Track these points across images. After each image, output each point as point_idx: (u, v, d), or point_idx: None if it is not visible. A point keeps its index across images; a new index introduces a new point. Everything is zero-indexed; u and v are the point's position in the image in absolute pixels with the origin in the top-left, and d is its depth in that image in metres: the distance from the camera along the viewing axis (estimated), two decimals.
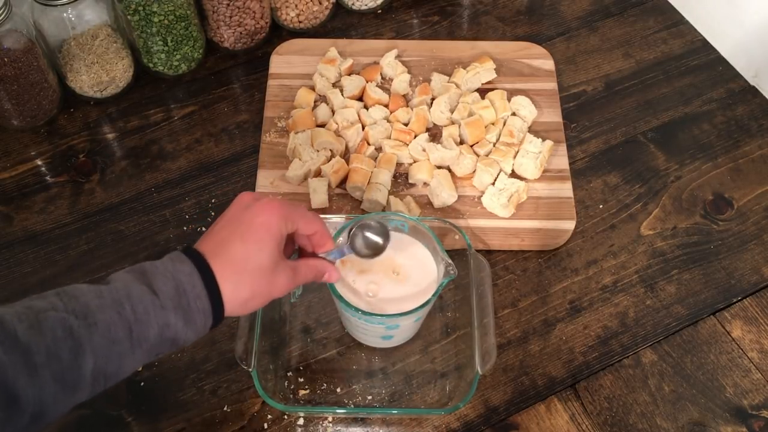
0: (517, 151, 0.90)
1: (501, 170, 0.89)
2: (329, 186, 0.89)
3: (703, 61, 1.04)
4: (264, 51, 1.05)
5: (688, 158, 0.95)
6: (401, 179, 0.90)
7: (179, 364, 0.79)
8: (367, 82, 0.97)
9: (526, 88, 0.98)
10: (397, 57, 1.00)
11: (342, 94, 0.96)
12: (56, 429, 0.74)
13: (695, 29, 1.08)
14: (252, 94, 1.01)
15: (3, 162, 0.94)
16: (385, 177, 0.87)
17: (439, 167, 0.90)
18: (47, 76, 0.93)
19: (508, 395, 0.77)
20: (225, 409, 0.76)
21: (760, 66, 1.01)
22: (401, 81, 0.97)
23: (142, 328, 0.54)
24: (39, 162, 0.95)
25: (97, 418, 0.76)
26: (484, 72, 0.98)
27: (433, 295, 0.70)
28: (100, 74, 0.96)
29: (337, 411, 0.75)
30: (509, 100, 0.95)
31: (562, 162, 0.92)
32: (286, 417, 0.76)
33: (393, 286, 0.72)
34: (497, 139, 0.92)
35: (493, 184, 0.88)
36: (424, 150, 0.90)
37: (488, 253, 0.86)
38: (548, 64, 1.01)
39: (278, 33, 1.07)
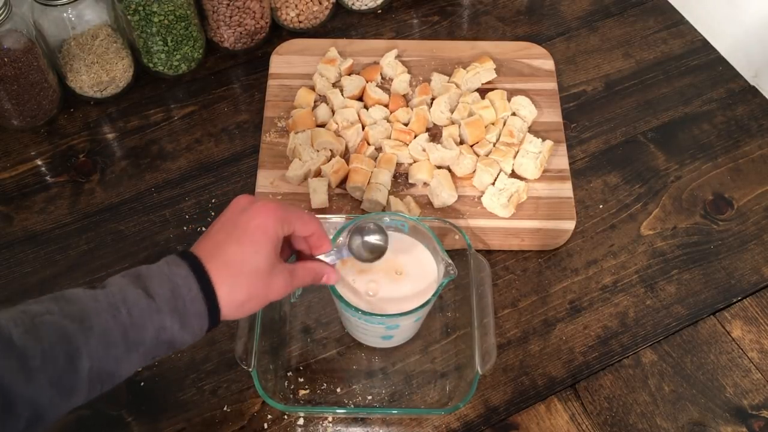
0: (517, 151, 0.90)
1: (501, 170, 0.89)
2: (329, 186, 0.89)
3: (703, 61, 1.04)
4: (264, 51, 1.05)
5: (688, 158, 0.95)
6: (401, 179, 0.90)
7: (179, 364, 0.79)
8: (367, 82, 0.97)
9: (526, 88, 0.98)
10: (397, 57, 1.00)
11: (342, 94, 0.96)
12: (56, 429, 0.74)
13: (695, 29, 1.08)
14: (252, 94, 1.01)
15: (3, 162, 0.94)
16: (385, 177, 0.87)
17: (439, 167, 0.90)
18: (47, 76, 0.93)
19: (508, 395, 0.77)
20: (225, 409, 0.76)
21: (760, 66, 1.01)
22: (401, 81, 0.97)
23: (138, 331, 0.53)
24: (39, 162, 0.95)
25: (97, 418, 0.76)
26: (484, 72, 0.98)
27: (433, 295, 0.70)
28: (100, 74, 0.96)
29: (337, 411, 0.75)
30: (509, 100, 0.95)
31: (562, 162, 0.92)
32: (286, 417, 0.76)
33: (393, 285, 0.72)
34: (497, 139, 0.92)
35: (493, 184, 0.88)
36: (424, 150, 0.90)
37: (488, 253, 0.86)
38: (548, 64, 1.01)
39: (278, 33, 1.07)
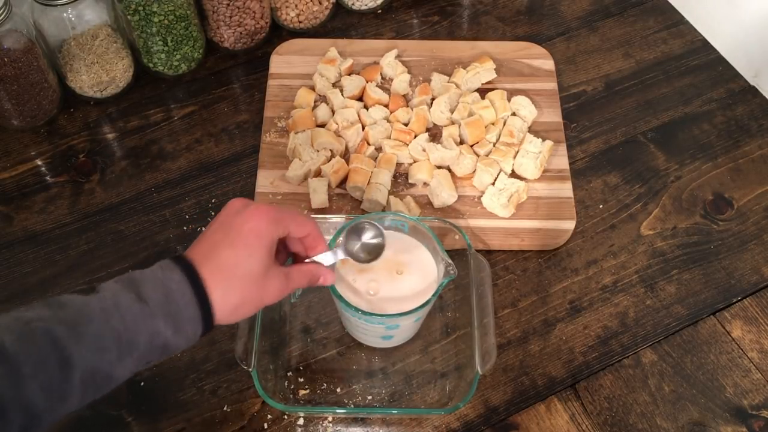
0: (517, 151, 0.90)
1: (501, 170, 0.89)
2: (329, 186, 0.89)
3: (703, 61, 1.04)
4: (264, 51, 1.05)
5: (688, 158, 0.95)
6: (401, 179, 0.90)
7: (179, 364, 0.79)
8: (367, 82, 0.97)
9: (526, 88, 0.98)
10: (397, 57, 1.00)
11: (342, 94, 0.96)
12: (56, 429, 0.74)
13: (695, 29, 1.08)
14: (252, 94, 1.01)
15: (3, 162, 0.94)
16: (385, 177, 0.87)
17: (439, 167, 0.90)
18: (47, 76, 0.93)
19: (508, 395, 0.77)
20: (225, 409, 0.76)
21: (760, 66, 1.01)
22: (401, 81, 0.97)
23: (131, 336, 0.53)
24: (39, 162, 0.95)
25: (97, 418, 0.76)
26: (484, 72, 0.98)
27: (433, 295, 0.70)
28: (100, 74, 0.96)
29: (337, 411, 0.75)
30: (509, 100, 0.95)
31: (562, 162, 0.92)
32: (286, 417, 0.76)
33: (393, 285, 0.72)
34: (497, 139, 0.92)
35: (493, 184, 0.88)
36: (424, 150, 0.90)
37: (488, 253, 0.86)
38: (548, 64, 1.01)
39: (278, 33, 1.07)
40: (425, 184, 0.89)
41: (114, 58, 0.96)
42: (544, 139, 0.91)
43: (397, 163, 0.90)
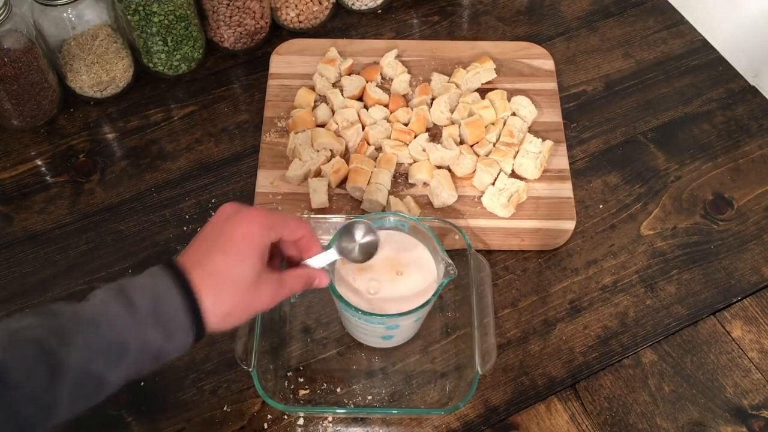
0: (517, 151, 0.90)
1: (501, 170, 0.89)
2: (329, 186, 0.89)
3: (703, 61, 1.04)
4: (264, 51, 1.05)
5: (688, 158, 0.95)
6: (401, 179, 0.90)
7: (179, 364, 0.79)
8: (367, 82, 0.97)
9: (526, 88, 0.98)
10: (397, 57, 1.00)
11: (342, 94, 0.96)
12: (56, 429, 0.74)
13: (695, 29, 1.08)
14: (252, 94, 1.01)
15: (3, 162, 0.94)
16: (385, 177, 0.87)
17: (439, 167, 0.90)
18: (47, 76, 0.93)
19: (508, 395, 0.77)
20: (225, 409, 0.76)
21: (760, 66, 1.01)
22: (401, 81, 0.97)
23: (121, 345, 0.53)
24: (39, 162, 0.95)
25: (97, 418, 0.76)
26: (484, 72, 0.98)
27: (433, 295, 0.70)
28: (100, 74, 0.96)
29: (337, 411, 0.75)
30: (509, 100, 0.95)
31: (562, 162, 0.92)
32: (286, 417, 0.76)
33: (393, 285, 0.72)
34: (497, 139, 0.92)
35: (493, 184, 0.88)
36: (424, 150, 0.90)
37: (488, 253, 0.86)
38: (548, 64, 1.01)
39: (278, 33, 1.07)
40: (425, 184, 0.89)
41: (114, 58, 0.96)
42: (544, 139, 0.91)
43: (397, 163, 0.90)
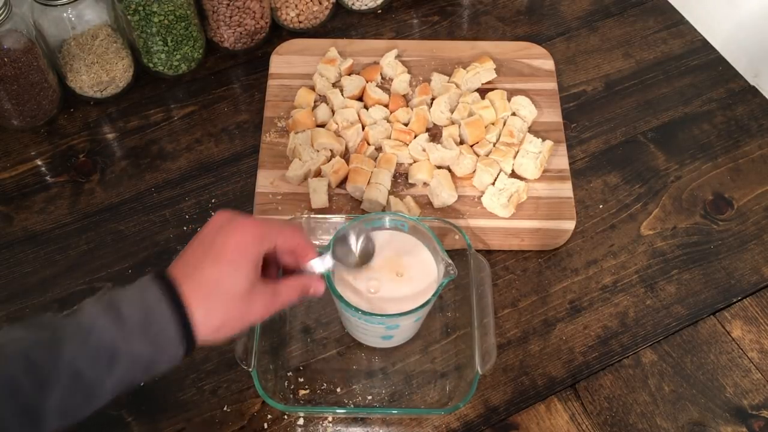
0: (517, 151, 0.90)
1: (501, 170, 0.89)
2: (329, 186, 0.89)
3: (703, 61, 1.04)
4: (264, 51, 1.05)
5: (688, 158, 0.95)
6: (401, 179, 0.90)
7: (179, 364, 0.78)
8: (367, 82, 0.97)
9: (526, 88, 0.98)
10: (397, 57, 1.00)
11: (342, 94, 0.96)
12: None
13: (695, 29, 1.08)
14: (252, 94, 1.01)
15: (3, 162, 0.94)
16: (385, 177, 0.87)
17: (439, 167, 0.90)
18: (47, 76, 0.93)
19: (508, 395, 0.77)
20: (225, 409, 0.76)
21: (760, 66, 1.01)
22: (401, 81, 0.97)
23: (110, 358, 0.52)
24: (39, 162, 0.95)
25: (97, 418, 0.75)
26: (484, 72, 0.98)
27: (433, 295, 0.70)
28: (100, 74, 0.96)
29: (337, 411, 0.75)
30: (509, 100, 0.95)
31: (562, 162, 0.92)
32: (286, 417, 0.76)
33: (393, 285, 0.72)
34: (497, 139, 0.92)
35: (493, 184, 0.88)
36: (424, 150, 0.90)
37: (488, 253, 0.86)
38: (548, 64, 1.01)
39: (278, 33, 1.07)
40: (425, 184, 0.89)
41: (114, 58, 0.96)
42: (544, 139, 0.91)
43: (397, 163, 0.90)
